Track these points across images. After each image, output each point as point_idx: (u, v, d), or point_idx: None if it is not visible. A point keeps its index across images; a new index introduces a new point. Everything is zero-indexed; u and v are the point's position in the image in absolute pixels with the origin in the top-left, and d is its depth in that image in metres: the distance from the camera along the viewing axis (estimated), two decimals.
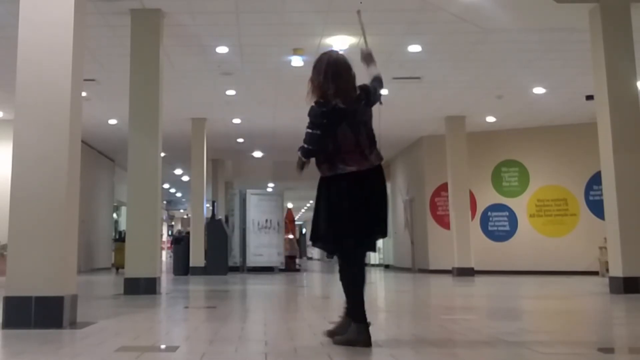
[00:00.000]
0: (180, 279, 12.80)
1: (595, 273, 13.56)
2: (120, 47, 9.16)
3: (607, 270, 9.06)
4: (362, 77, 3.85)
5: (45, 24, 4.73)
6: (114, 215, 22.88)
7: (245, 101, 12.92)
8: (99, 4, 7.82)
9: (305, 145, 3.63)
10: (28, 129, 4.64)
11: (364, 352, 3.37)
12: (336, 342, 3.60)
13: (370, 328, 3.55)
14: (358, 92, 3.73)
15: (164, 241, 34.26)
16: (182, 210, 40.88)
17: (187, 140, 14.97)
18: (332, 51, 3.85)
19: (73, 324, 4.59)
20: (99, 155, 19.41)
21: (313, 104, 3.65)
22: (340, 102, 3.61)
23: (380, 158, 3.70)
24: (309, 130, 3.63)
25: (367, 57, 4.05)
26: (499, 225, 15.81)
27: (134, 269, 7.89)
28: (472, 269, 14.02)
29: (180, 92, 12.11)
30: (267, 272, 16.22)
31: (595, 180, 13.94)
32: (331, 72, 3.66)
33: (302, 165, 3.71)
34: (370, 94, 3.79)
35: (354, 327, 3.53)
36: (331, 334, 3.72)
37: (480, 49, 9.80)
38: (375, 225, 3.61)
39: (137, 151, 8.04)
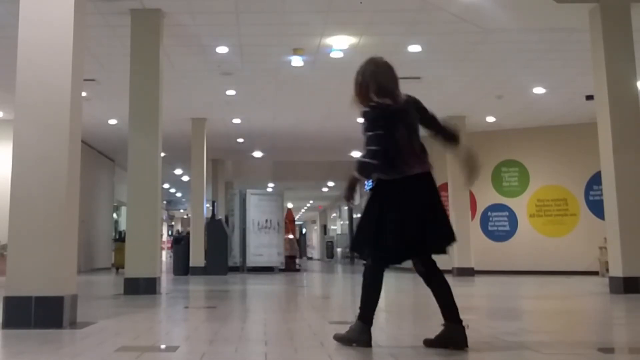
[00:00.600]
0: (180, 279, 12.80)
1: (595, 273, 13.55)
2: (120, 47, 9.16)
3: (607, 270, 9.06)
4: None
5: (45, 24, 4.73)
6: (114, 215, 22.88)
7: (245, 101, 12.91)
8: (99, 4, 7.82)
9: (373, 147, 3.48)
10: (28, 129, 4.64)
11: (364, 352, 3.37)
12: (336, 339, 3.62)
13: (371, 328, 3.55)
14: (405, 97, 3.70)
15: (164, 241, 34.26)
16: (182, 210, 40.89)
17: (187, 140, 14.97)
18: (373, 56, 3.84)
19: (73, 324, 4.59)
20: (99, 155, 19.41)
21: (367, 108, 3.58)
22: (389, 100, 3.61)
23: (431, 165, 3.70)
24: (370, 133, 3.52)
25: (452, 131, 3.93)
26: (499, 225, 15.80)
27: (134, 269, 7.89)
28: (472, 269, 14.03)
29: (180, 92, 12.10)
30: (267, 272, 16.21)
31: (595, 180, 13.93)
32: (370, 70, 3.69)
33: (353, 187, 3.57)
34: (423, 110, 3.76)
35: (357, 326, 3.53)
36: (431, 342, 3.53)
37: (480, 49, 9.80)
38: (435, 229, 3.53)
39: (137, 151, 8.04)
